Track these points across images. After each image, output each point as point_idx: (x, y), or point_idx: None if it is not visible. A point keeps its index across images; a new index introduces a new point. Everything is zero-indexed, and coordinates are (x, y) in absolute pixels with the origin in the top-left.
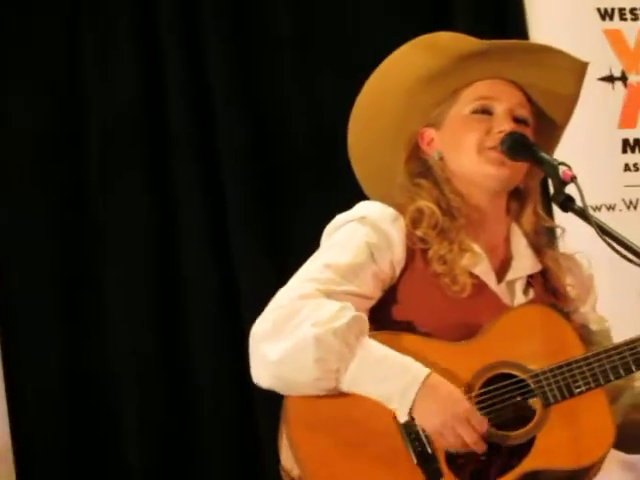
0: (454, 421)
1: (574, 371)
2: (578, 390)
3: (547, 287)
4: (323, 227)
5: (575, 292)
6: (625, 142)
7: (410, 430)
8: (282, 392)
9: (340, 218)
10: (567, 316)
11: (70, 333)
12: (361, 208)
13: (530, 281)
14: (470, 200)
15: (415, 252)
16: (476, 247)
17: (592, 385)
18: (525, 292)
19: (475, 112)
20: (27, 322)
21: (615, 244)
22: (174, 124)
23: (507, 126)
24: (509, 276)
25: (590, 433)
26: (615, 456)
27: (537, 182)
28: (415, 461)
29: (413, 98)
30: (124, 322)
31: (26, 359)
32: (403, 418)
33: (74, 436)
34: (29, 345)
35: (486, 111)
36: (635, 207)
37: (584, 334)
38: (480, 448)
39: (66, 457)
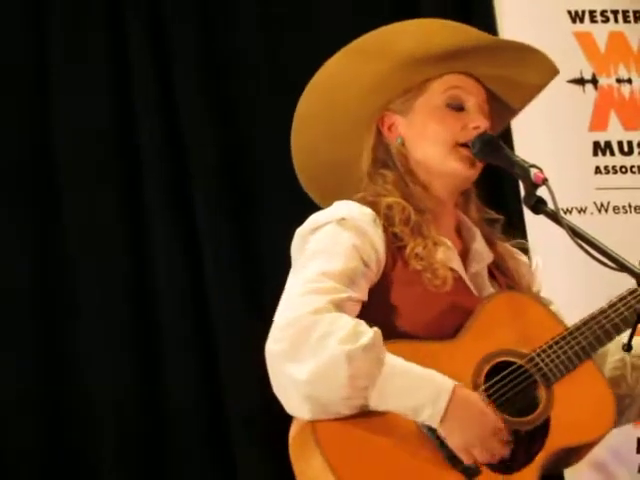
0: (485, 436)
1: (564, 347)
2: (572, 364)
3: (501, 274)
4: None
5: (525, 280)
6: (596, 145)
7: (438, 435)
8: (311, 414)
9: (317, 219)
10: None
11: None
12: (339, 209)
13: (492, 271)
14: (431, 191)
15: (393, 251)
16: (447, 241)
17: (582, 357)
18: (492, 283)
19: (448, 105)
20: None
21: (587, 247)
22: (144, 139)
23: (481, 122)
24: (473, 268)
25: (596, 402)
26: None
27: None
28: (449, 463)
29: (377, 89)
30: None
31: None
32: (434, 425)
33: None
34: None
35: (459, 106)
36: (606, 210)
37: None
38: (506, 454)
39: None
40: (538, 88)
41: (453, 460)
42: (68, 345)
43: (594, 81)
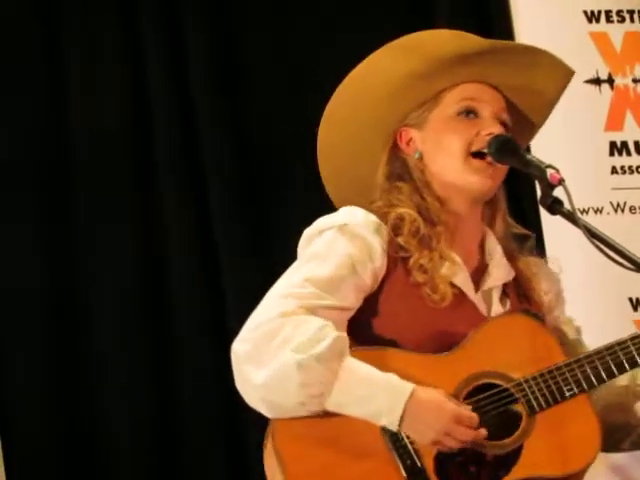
0: (447, 427)
1: (557, 378)
2: (562, 397)
3: (519, 293)
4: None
5: (547, 297)
6: (612, 145)
7: (399, 444)
8: (269, 414)
9: (321, 223)
10: (544, 322)
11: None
12: (344, 215)
13: (505, 290)
14: (449, 205)
15: (396, 260)
16: (455, 256)
17: (576, 391)
18: (502, 301)
19: (460, 113)
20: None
21: (604, 247)
22: (157, 129)
23: (495, 129)
24: (486, 285)
25: (576, 440)
26: (603, 460)
27: (502, 189)
28: (404, 475)
29: (393, 99)
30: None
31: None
32: (394, 430)
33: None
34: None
35: (472, 112)
36: (622, 210)
37: (559, 337)
38: (481, 439)
39: None
40: (555, 93)
41: (408, 472)
42: (82, 345)
43: (610, 81)
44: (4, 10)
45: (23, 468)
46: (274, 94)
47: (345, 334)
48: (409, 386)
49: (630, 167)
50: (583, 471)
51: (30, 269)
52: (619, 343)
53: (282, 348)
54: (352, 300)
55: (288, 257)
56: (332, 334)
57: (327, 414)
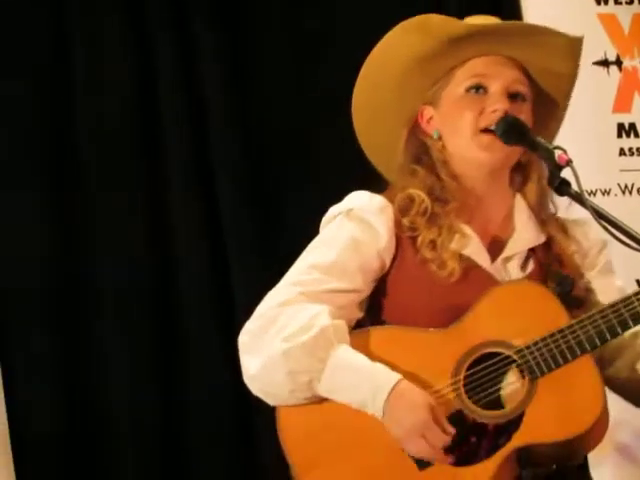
0: (414, 433)
1: (559, 341)
2: (564, 360)
3: (551, 254)
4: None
5: (580, 259)
6: (620, 126)
7: None
8: (270, 403)
9: (332, 211)
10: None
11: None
12: (349, 200)
13: (530, 254)
14: (467, 181)
15: (404, 240)
16: (466, 228)
17: (578, 352)
18: (523, 266)
19: (469, 90)
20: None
21: (611, 228)
22: (166, 123)
23: (500, 105)
24: (506, 252)
25: (578, 402)
26: (609, 441)
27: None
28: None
29: (409, 78)
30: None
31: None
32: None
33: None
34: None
35: (480, 88)
36: (630, 192)
37: (589, 298)
38: (441, 460)
39: None
40: (566, 67)
41: None
42: (87, 345)
43: (618, 63)
44: (11, 7)
45: (29, 468)
46: (284, 93)
47: (339, 322)
48: (393, 378)
49: (638, 149)
50: (588, 432)
51: (33, 268)
52: (622, 300)
53: (275, 338)
54: (359, 282)
55: (296, 254)
56: (321, 323)
57: (327, 399)
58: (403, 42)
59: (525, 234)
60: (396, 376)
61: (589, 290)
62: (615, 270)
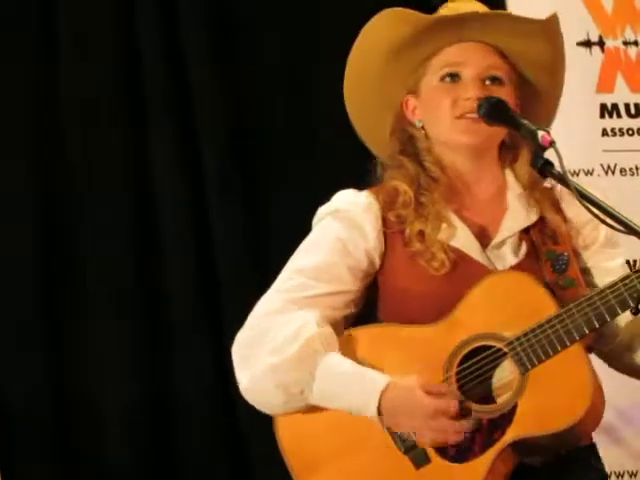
0: (425, 422)
1: (548, 331)
2: (553, 350)
3: (546, 232)
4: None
5: (577, 239)
6: (603, 107)
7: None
8: (265, 412)
9: (319, 212)
10: (559, 264)
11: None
12: (335, 200)
13: (523, 235)
14: (453, 166)
15: (393, 236)
16: (453, 218)
17: (567, 343)
18: (516, 250)
19: (443, 79)
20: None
21: (594, 209)
22: (151, 100)
23: (473, 92)
24: (497, 238)
25: (568, 392)
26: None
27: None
28: (402, 450)
29: (389, 66)
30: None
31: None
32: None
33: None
34: None
35: (453, 75)
36: (613, 172)
37: (585, 278)
38: (458, 437)
39: None
40: (551, 60)
41: (406, 447)
42: (75, 335)
43: (601, 43)
44: None
45: (15, 461)
46: (274, 76)
47: (325, 330)
48: (382, 382)
49: (620, 129)
50: (581, 421)
51: (21, 246)
52: (610, 286)
53: (260, 351)
54: (348, 282)
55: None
56: (306, 334)
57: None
58: (381, 30)
59: (517, 215)
60: (384, 379)
61: (585, 270)
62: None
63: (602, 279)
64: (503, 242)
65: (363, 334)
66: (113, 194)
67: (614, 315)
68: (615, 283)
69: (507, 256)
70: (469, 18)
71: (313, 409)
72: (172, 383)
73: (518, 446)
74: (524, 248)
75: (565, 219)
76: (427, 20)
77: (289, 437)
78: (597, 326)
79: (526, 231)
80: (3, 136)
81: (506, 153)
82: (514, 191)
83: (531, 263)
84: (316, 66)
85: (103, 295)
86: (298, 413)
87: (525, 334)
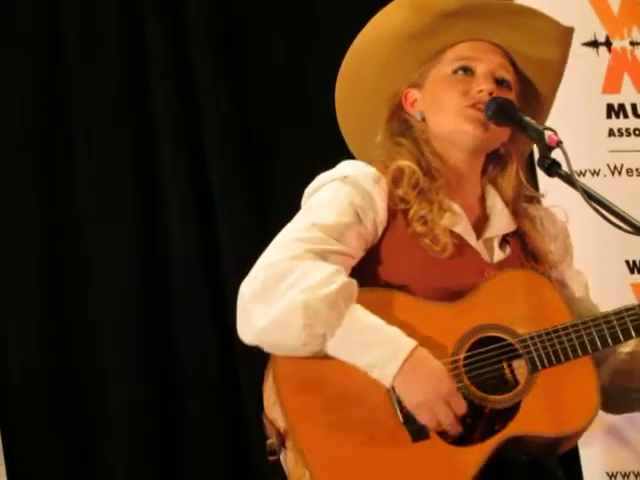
0: (435, 400)
1: (562, 338)
2: (565, 357)
3: (526, 250)
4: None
5: (555, 257)
6: (609, 107)
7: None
8: (266, 350)
9: (321, 178)
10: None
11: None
12: (343, 168)
13: (506, 238)
14: (448, 161)
15: (396, 213)
16: (455, 206)
17: (579, 353)
18: (502, 247)
19: (456, 71)
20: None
21: (601, 209)
22: (155, 91)
23: (486, 86)
24: (487, 234)
25: (574, 401)
26: (599, 422)
27: (521, 149)
28: (402, 420)
29: (397, 57)
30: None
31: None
32: (385, 385)
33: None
34: None
35: (467, 69)
36: (620, 172)
37: (565, 294)
38: (455, 429)
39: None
40: (557, 64)
41: (405, 418)
42: (80, 313)
43: (607, 44)
44: None
45: (19, 447)
46: (274, 58)
47: (355, 281)
48: (412, 343)
49: (627, 129)
50: (578, 434)
51: (28, 246)
52: (627, 309)
53: (290, 289)
54: (355, 248)
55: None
56: (342, 279)
57: (323, 357)
58: (397, 18)
59: (501, 219)
60: (413, 342)
61: (563, 282)
62: (601, 253)
63: (568, 294)
64: (492, 238)
65: (378, 296)
66: (119, 194)
67: (628, 338)
68: (633, 307)
69: (496, 251)
70: (489, 6)
71: (315, 358)
72: (177, 378)
73: (512, 441)
74: (508, 249)
75: (543, 236)
76: (449, 7)
77: (286, 382)
78: (610, 344)
79: (507, 241)
80: (10, 136)
81: (490, 166)
82: (496, 201)
83: (516, 262)
84: (316, 66)
85: (109, 294)
86: (299, 359)
87: (540, 335)
